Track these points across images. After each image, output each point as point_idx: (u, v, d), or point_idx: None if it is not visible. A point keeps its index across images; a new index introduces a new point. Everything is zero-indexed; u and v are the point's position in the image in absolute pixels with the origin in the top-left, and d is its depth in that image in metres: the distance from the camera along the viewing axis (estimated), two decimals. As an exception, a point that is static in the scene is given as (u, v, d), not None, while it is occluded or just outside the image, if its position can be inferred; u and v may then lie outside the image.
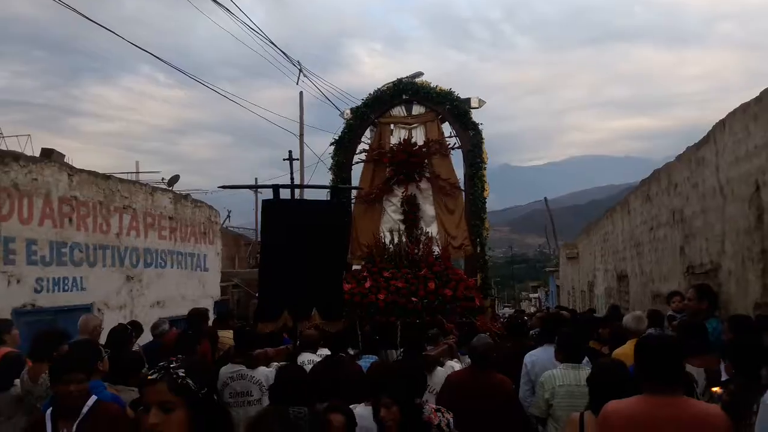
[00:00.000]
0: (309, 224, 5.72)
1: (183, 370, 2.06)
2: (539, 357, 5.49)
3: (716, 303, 6.11)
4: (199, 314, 7.70)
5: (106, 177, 11.04)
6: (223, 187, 6.20)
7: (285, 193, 6.21)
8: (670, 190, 9.93)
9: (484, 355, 4.99)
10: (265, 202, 6.00)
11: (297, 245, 5.56)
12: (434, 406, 4.09)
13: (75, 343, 5.40)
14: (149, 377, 2.07)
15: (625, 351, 5.73)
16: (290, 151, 17.42)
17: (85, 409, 3.46)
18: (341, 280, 6.22)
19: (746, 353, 3.67)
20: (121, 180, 11.67)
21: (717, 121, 7.84)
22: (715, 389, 3.93)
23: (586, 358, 5.20)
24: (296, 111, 20.83)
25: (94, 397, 3.59)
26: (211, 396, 2.12)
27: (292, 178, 16.48)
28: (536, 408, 4.87)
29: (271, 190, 6.00)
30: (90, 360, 3.96)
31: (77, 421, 3.42)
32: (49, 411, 3.51)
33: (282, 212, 5.85)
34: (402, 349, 7.21)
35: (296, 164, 19.59)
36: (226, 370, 5.50)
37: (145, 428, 2.00)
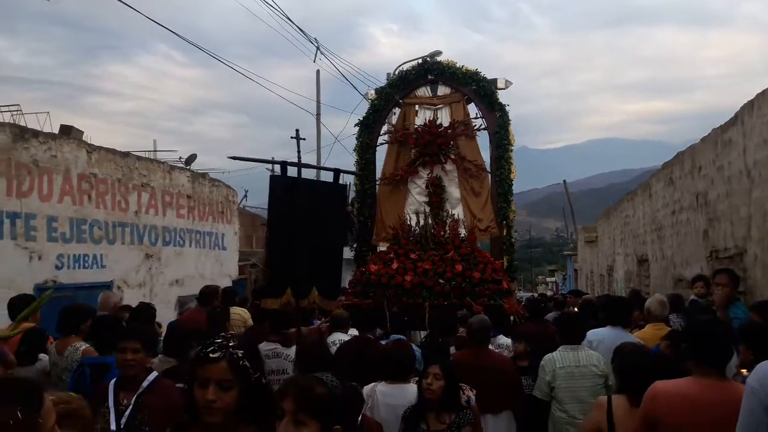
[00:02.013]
0: (312, 203, 5.85)
1: (242, 352, 2.14)
2: (606, 335, 5.41)
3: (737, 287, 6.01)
4: (210, 292, 7.71)
5: (125, 154, 11.06)
6: (233, 157, 6.28)
7: (299, 173, 6.29)
8: (694, 173, 9.74)
9: (479, 331, 5.14)
10: (272, 177, 6.09)
11: (301, 223, 5.68)
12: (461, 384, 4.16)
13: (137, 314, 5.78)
14: (211, 355, 2.12)
15: (646, 334, 5.67)
16: (297, 130, 17.34)
17: (145, 383, 3.59)
18: (340, 261, 6.30)
19: (753, 335, 3.72)
20: (138, 158, 11.69)
21: (744, 102, 7.65)
22: (743, 371, 3.90)
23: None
24: (311, 90, 20.73)
25: (154, 373, 3.73)
26: (261, 380, 2.19)
27: (299, 157, 16.39)
28: (539, 391, 4.92)
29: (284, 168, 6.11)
30: (149, 333, 4.05)
31: (137, 393, 3.55)
32: (112, 381, 3.64)
33: (288, 189, 5.94)
34: (429, 331, 7.20)
35: (312, 144, 19.55)
36: (262, 347, 5.57)
37: (200, 403, 2.09)
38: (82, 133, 10.94)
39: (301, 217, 5.67)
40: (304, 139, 16.72)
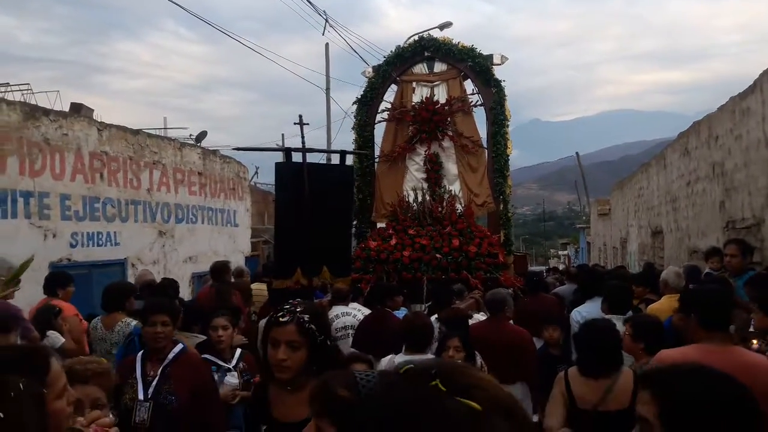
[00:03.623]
0: (319, 186, 6.06)
1: (308, 316, 2.39)
2: (588, 311, 5.45)
3: (752, 257, 5.97)
4: (220, 267, 7.78)
5: (135, 132, 11.05)
6: (237, 148, 6.66)
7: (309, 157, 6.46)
8: (711, 143, 9.59)
9: (491, 303, 5.32)
10: (277, 164, 6.34)
11: (307, 206, 5.93)
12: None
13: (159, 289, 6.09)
14: (281, 319, 2.39)
15: (662, 306, 5.61)
16: (300, 116, 17.35)
17: (171, 355, 3.70)
18: (349, 239, 6.65)
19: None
20: (149, 135, 11.69)
21: (763, 70, 7.48)
22: (754, 341, 3.91)
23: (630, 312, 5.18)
24: (321, 65, 20.56)
25: (180, 345, 3.81)
26: (326, 342, 2.45)
27: (303, 142, 16.46)
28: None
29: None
30: (175, 307, 4.18)
31: (163, 365, 3.66)
32: (140, 353, 3.77)
33: (293, 174, 6.16)
34: (428, 304, 7.35)
35: (322, 120, 19.46)
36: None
37: (273, 362, 2.37)
38: (92, 111, 10.93)
39: (309, 200, 5.92)
40: (307, 123, 16.71)
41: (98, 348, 5.12)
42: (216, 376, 4.18)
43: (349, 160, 12.05)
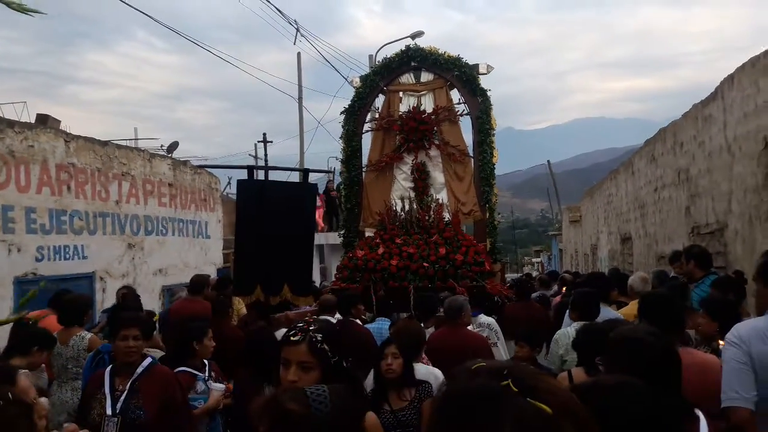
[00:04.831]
0: (280, 204, 6.16)
1: (321, 335, 2.27)
2: None
3: (709, 264, 6.05)
4: (201, 281, 7.72)
5: (104, 143, 10.90)
6: (200, 166, 6.74)
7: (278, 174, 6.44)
8: (676, 149, 9.78)
9: (449, 310, 5.32)
10: (239, 182, 6.37)
11: (268, 224, 5.95)
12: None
13: (127, 304, 5.95)
14: (291, 338, 2.27)
15: (629, 311, 5.70)
16: (264, 134, 17.69)
17: (140, 369, 3.69)
18: (311, 258, 6.69)
19: (721, 309, 4.07)
20: (118, 146, 11.53)
21: (725, 77, 7.66)
22: (721, 342, 4.04)
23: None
24: (295, 75, 20.56)
25: (149, 359, 3.82)
26: (341, 363, 2.31)
27: (266, 160, 16.55)
28: (552, 364, 5.07)
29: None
30: (146, 321, 4.20)
31: (132, 379, 3.64)
32: (109, 368, 3.76)
33: (255, 192, 6.28)
34: (410, 313, 7.36)
35: (296, 129, 19.46)
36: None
37: (284, 383, 2.22)
38: (59, 122, 10.77)
39: (269, 218, 5.99)
40: (271, 141, 16.90)
41: (55, 363, 5.02)
42: (203, 386, 4.25)
43: (331, 165, 12.09)
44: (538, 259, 45.97)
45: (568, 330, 5.04)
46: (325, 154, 11.79)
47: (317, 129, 19.34)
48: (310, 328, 2.32)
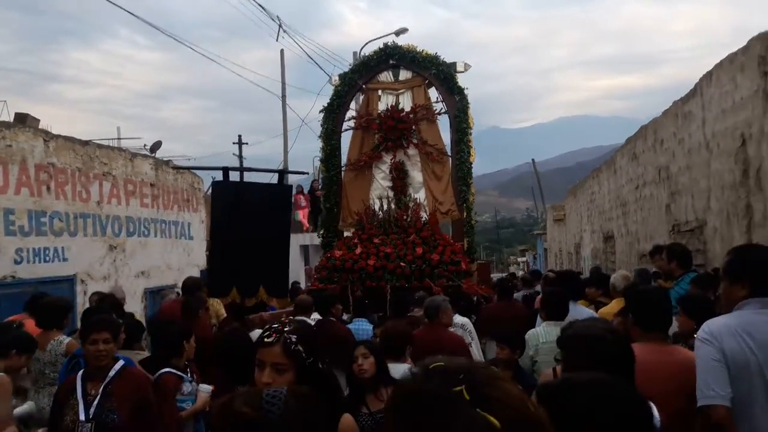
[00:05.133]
0: (255, 206, 6.20)
1: (296, 336, 2.25)
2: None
3: (689, 263, 6.09)
4: (194, 283, 7.69)
5: (84, 143, 10.78)
6: (176, 167, 6.80)
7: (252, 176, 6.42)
8: (657, 147, 9.84)
9: (427, 309, 5.41)
10: (214, 183, 6.41)
11: (243, 225, 6.01)
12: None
13: (99, 307, 5.81)
14: (266, 339, 2.25)
15: (611, 309, 5.72)
16: (240, 135, 17.71)
17: (112, 372, 3.67)
18: (287, 259, 6.71)
19: (698, 307, 4.12)
20: (99, 145, 11.40)
21: (704, 73, 7.72)
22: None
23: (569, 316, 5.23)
24: (279, 73, 20.48)
25: (121, 362, 3.78)
26: (317, 364, 2.30)
27: (241, 161, 16.55)
28: (523, 364, 5.03)
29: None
30: (116, 324, 4.10)
31: (104, 383, 3.62)
32: (80, 373, 3.72)
33: (230, 193, 6.31)
34: (384, 313, 7.38)
35: (280, 128, 19.39)
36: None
37: (258, 385, 2.19)
38: (38, 121, 10.64)
39: (244, 220, 6.04)
40: (246, 143, 16.91)
41: (33, 368, 4.95)
42: (190, 387, 4.25)
43: (309, 169, 12.05)
44: (524, 259, 46.10)
45: (538, 330, 5.05)
46: (310, 152, 11.75)
47: (301, 128, 19.30)
48: (285, 329, 2.30)
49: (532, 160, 37.24)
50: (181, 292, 7.74)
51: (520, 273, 29.96)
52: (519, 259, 51.39)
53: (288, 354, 2.22)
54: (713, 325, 2.71)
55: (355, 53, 12.13)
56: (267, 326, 2.39)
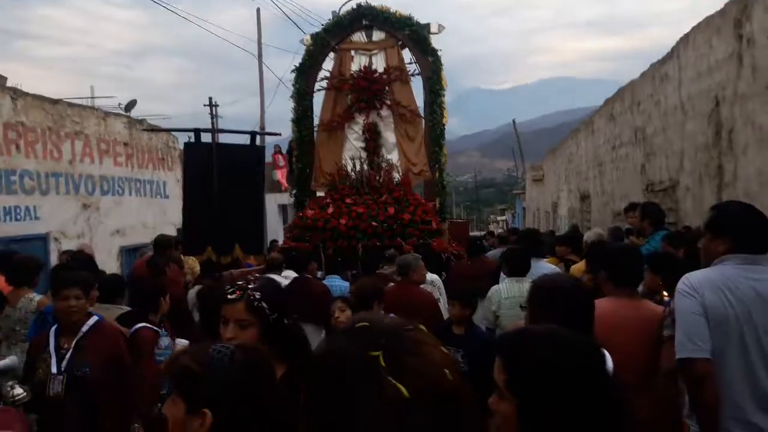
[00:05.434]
0: (228, 167, 6.24)
1: (259, 294, 2.27)
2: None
3: (661, 221, 6.16)
4: (165, 240, 7.64)
5: (55, 101, 10.54)
6: (147, 129, 6.82)
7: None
8: (633, 108, 9.87)
9: (399, 267, 5.51)
10: (186, 144, 6.42)
11: (217, 185, 6.08)
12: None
13: (73, 261, 5.88)
14: (229, 296, 2.27)
15: (582, 266, 5.81)
16: (210, 98, 17.46)
17: (85, 328, 3.67)
18: (261, 217, 6.81)
19: (663, 263, 4.24)
20: (70, 104, 11.16)
21: (681, 35, 7.70)
22: (665, 294, 4.18)
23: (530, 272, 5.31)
24: (256, 32, 20.08)
25: (95, 317, 3.77)
26: (281, 320, 2.31)
27: (212, 122, 16.37)
28: (486, 320, 5.12)
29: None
30: (88, 280, 4.05)
31: (77, 337, 3.63)
32: (54, 327, 3.71)
33: (203, 154, 6.30)
34: (356, 270, 7.46)
35: (256, 87, 19.11)
36: (194, 291, 5.92)
37: (222, 340, 2.15)
38: (5, 78, 10.38)
39: (217, 180, 6.06)
40: (217, 105, 16.71)
41: (3, 325, 4.93)
42: (167, 341, 4.27)
43: (287, 130, 11.93)
44: (503, 218, 46.53)
45: (500, 286, 5.09)
46: (288, 113, 11.56)
47: (278, 87, 19.04)
48: (249, 286, 2.31)
49: (513, 120, 37.19)
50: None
51: (500, 231, 30.19)
52: (499, 218, 51.86)
53: (251, 310, 2.24)
54: (694, 278, 2.70)
55: (334, 12, 11.86)
56: (233, 283, 2.40)
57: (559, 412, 1.38)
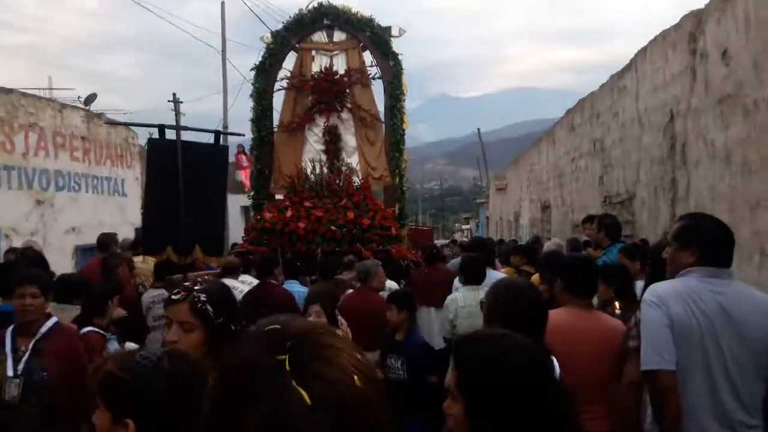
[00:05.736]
0: (191, 165, 6.12)
1: (205, 296, 2.19)
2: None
3: (617, 233, 6.25)
4: (108, 239, 7.46)
5: (8, 90, 10.23)
6: (109, 122, 6.65)
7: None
8: (593, 120, 10.02)
9: (360, 273, 5.53)
10: (150, 140, 6.28)
11: (178, 184, 6.07)
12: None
13: (22, 260, 5.75)
14: (173, 297, 2.21)
15: (537, 279, 5.86)
16: (174, 93, 17.25)
17: (43, 329, 3.58)
18: (223, 219, 6.76)
19: (615, 275, 4.37)
20: (24, 94, 10.83)
21: (639, 48, 7.85)
22: (617, 303, 4.23)
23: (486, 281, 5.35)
24: (220, 27, 19.89)
25: (54, 319, 3.69)
26: (228, 325, 2.21)
27: (177, 120, 16.16)
28: (444, 329, 5.18)
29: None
30: (46, 278, 3.94)
31: (35, 339, 3.53)
32: (10, 328, 3.61)
33: (166, 152, 6.18)
34: (315, 276, 7.40)
35: (219, 84, 18.90)
36: (148, 295, 5.92)
37: (165, 343, 2.17)
38: (-43, 67, 10.03)
39: (180, 178, 5.96)
40: (181, 102, 16.53)
41: None
42: (114, 345, 4.17)
43: (248, 130, 11.77)
44: (468, 226, 46.85)
45: (457, 295, 5.13)
46: (249, 112, 11.39)
47: (242, 84, 18.84)
48: (195, 288, 2.24)
49: (478, 129, 37.55)
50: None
51: (464, 239, 30.33)
52: (463, 227, 52.23)
53: (195, 312, 2.17)
54: (660, 288, 2.69)
55: (300, 10, 11.75)
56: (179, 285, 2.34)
57: (505, 412, 1.40)
